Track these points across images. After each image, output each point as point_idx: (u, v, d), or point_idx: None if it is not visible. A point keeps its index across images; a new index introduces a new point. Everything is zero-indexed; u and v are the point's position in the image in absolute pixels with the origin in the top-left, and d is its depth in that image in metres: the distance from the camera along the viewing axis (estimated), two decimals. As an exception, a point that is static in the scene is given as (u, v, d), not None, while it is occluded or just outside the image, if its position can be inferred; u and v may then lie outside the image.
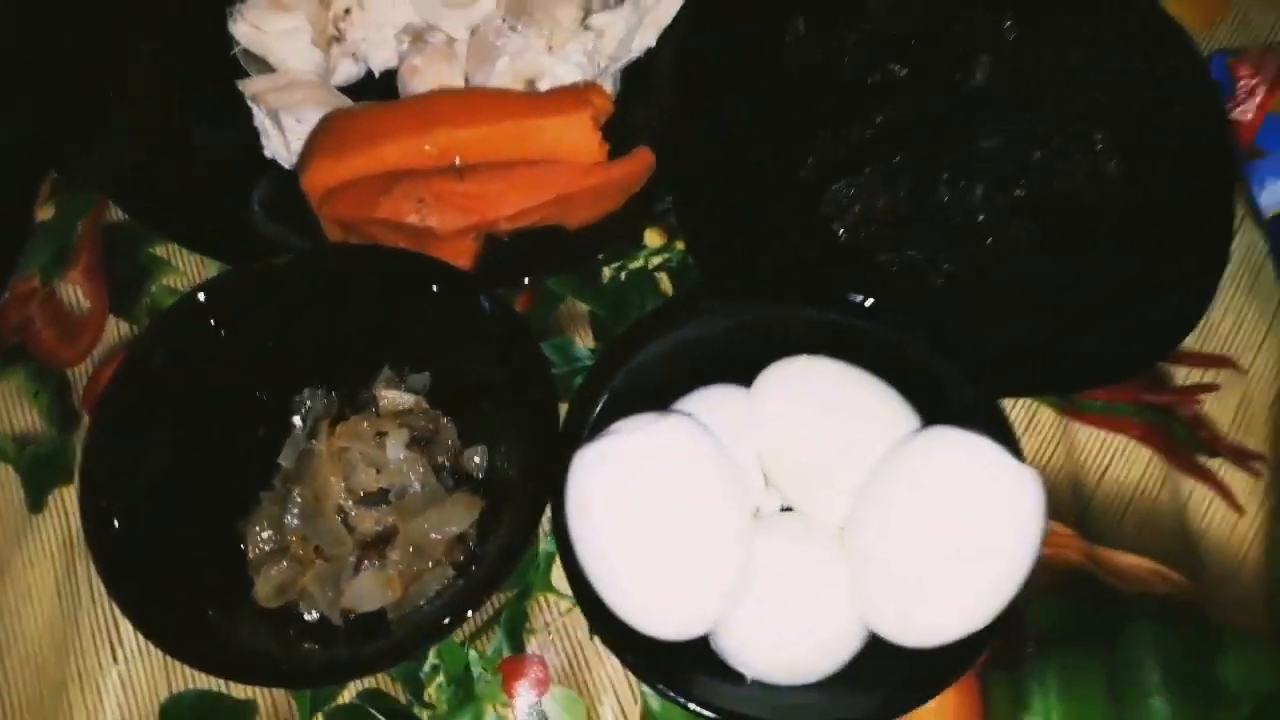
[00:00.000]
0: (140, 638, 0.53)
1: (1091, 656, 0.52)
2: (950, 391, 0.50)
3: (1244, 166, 0.63)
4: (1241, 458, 0.57)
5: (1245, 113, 0.63)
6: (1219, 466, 0.57)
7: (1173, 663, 0.52)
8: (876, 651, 0.48)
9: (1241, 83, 0.64)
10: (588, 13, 0.63)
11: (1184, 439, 0.58)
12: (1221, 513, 0.56)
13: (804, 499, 0.50)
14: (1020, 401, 0.59)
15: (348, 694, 0.52)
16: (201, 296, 0.51)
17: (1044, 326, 0.60)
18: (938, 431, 0.47)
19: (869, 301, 0.56)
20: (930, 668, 0.46)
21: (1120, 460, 0.58)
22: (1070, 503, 0.56)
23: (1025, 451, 0.56)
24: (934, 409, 0.50)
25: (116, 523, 0.47)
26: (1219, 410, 0.58)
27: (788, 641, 0.47)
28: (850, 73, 0.65)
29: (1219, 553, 0.55)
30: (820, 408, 0.50)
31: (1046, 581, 0.54)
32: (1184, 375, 0.60)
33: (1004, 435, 0.48)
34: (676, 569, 0.46)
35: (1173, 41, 0.66)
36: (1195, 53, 0.66)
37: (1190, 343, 0.60)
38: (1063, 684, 0.52)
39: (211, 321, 0.52)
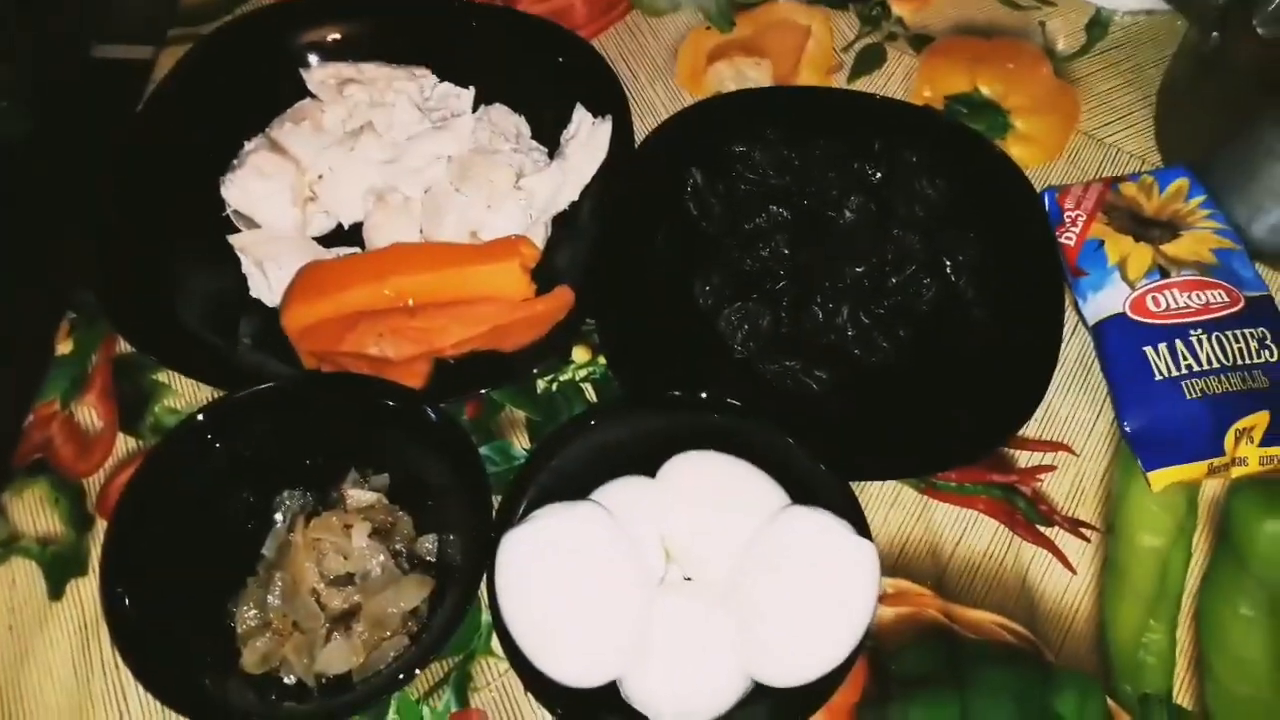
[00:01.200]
0: (145, 704, 0.59)
1: (948, 697, 0.59)
2: (811, 476, 0.58)
3: (1071, 283, 0.70)
4: (1074, 526, 0.64)
5: (1070, 238, 0.71)
6: (1055, 534, 0.64)
7: (1017, 700, 0.58)
8: (758, 692, 0.55)
9: (1067, 213, 0.72)
10: (520, 175, 0.72)
11: (1026, 511, 0.64)
12: (1057, 573, 0.62)
13: (697, 568, 0.58)
14: (886, 483, 0.66)
15: (321, 751, 0.58)
16: (201, 417, 0.60)
17: (905, 420, 0.67)
18: (796, 510, 0.56)
19: (750, 405, 0.61)
20: (798, 703, 0.54)
21: (972, 531, 0.64)
22: (929, 567, 0.63)
23: (890, 525, 0.64)
24: (801, 491, 0.58)
25: (129, 604, 0.55)
26: (1056, 487, 0.65)
27: (685, 688, 0.54)
28: (740, 215, 0.73)
29: (1055, 607, 0.61)
30: (710, 492, 0.58)
31: (909, 634, 0.60)
32: (1026, 458, 0.66)
33: (852, 512, 0.57)
34: (587, 629, 0.53)
35: (1013, 180, 0.75)
36: (1031, 189, 0.74)
37: (1032, 430, 0.67)
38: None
39: (208, 437, 0.60)
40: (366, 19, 0.82)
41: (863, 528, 0.56)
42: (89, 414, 0.70)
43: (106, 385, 0.71)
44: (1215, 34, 0.72)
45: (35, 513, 0.67)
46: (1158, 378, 0.66)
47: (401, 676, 0.54)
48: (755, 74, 0.85)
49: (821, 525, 0.55)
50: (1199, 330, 0.66)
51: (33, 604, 0.63)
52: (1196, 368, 0.66)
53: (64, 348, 0.73)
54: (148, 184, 0.75)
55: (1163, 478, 0.64)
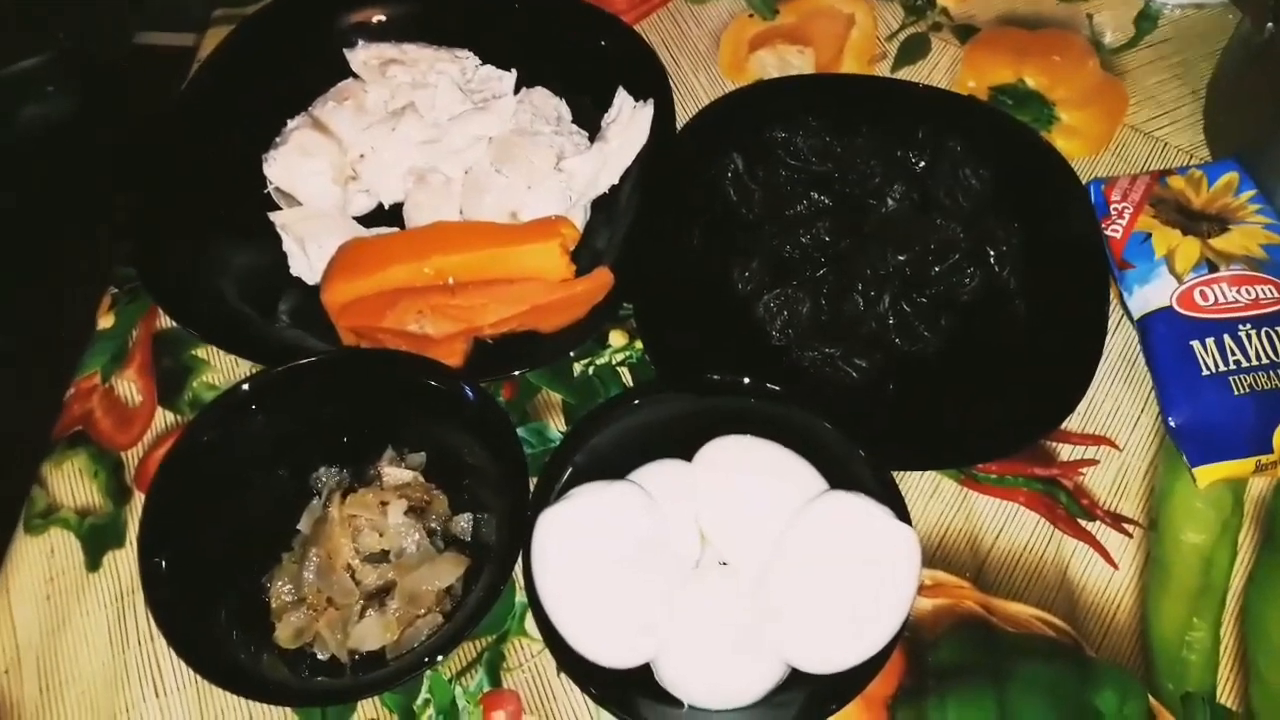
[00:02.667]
0: (179, 675, 0.60)
1: (985, 690, 0.58)
2: (850, 462, 0.58)
3: (1117, 275, 0.69)
4: (1116, 522, 0.63)
5: (1116, 230, 0.70)
6: (1097, 529, 0.63)
7: (1055, 695, 0.58)
8: (792, 679, 0.54)
9: (1113, 205, 0.71)
10: (560, 157, 0.72)
11: (1067, 506, 0.64)
12: (1099, 568, 0.62)
13: (733, 553, 0.57)
14: (926, 473, 0.65)
15: (353, 725, 0.58)
16: (242, 389, 0.60)
17: (945, 411, 0.66)
18: (836, 495, 0.55)
19: (788, 390, 0.61)
20: (834, 690, 0.53)
21: (1012, 523, 0.63)
22: (968, 559, 0.62)
23: (930, 516, 0.63)
24: (839, 476, 0.57)
25: (165, 576, 0.55)
26: (1098, 481, 0.64)
27: (718, 673, 0.54)
28: (780, 201, 0.72)
29: (1096, 602, 0.61)
30: (747, 477, 0.58)
31: (947, 626, 0.60)
32: (1069, 451, 0.65)
33: (892, 498, 0.56)
34: (622, 611, 0.53)
35: (1058, 170, 0.74)
36: (1077, 180, 0.73)
37: (1075, 424, 0.66)
38: (960, 715, 0.57)
39: (247, 410, 0.60)
40: (410, 1, 0.82)
41: (903, 514, 0.55)
42: (129, 388, 0.71)
43: (146, 360, 0.72)
44: (1270, 25, 0.70)
45: (74, 484, 0.67)
46: (1205, 373, 0.65)
47: (433, 657, 0.54)
48: (798, 62, 0.84)
49: (862, 510, 0.54)
50: (1248, 325, 0.65)
51: (70, 574, 0.64)
52: (1245, 363, 0.65)
53: (105, 322, 0.74)
54: (191, 161, 0.75)
55: (1209, 474, 0.63)
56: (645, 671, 0.55)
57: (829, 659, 0.53)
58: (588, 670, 0.54)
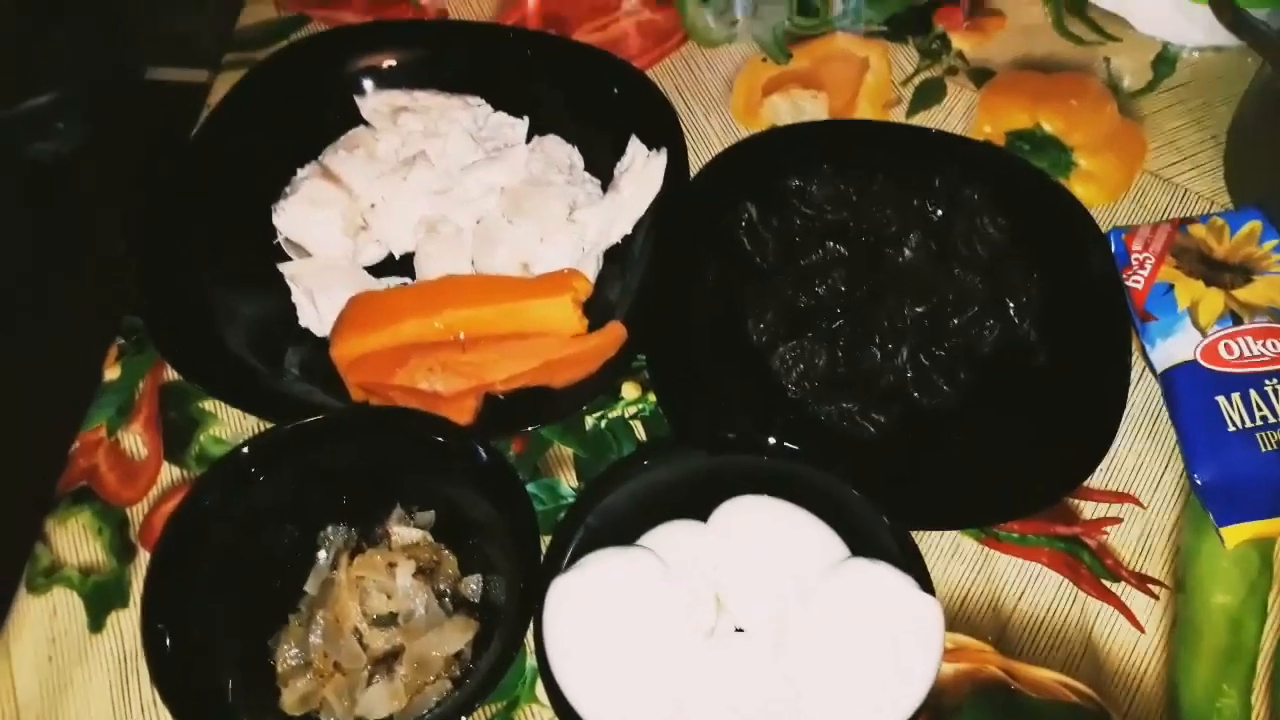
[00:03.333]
0: None
1: None
2: (871, 525, 0.57)
3: (1139, 328, 0.68)
4: (1142, 582, 0.62)
5: (1138, 281, 0.69)
6: (1122, 590, 0.61)
7: None
8: None
9: (1134, 255, 0.70)
10: (573, 208, 0.71)
11: (1091, 565, 0.62)
12: (1124, 631, 0.60)
13: (750, 620, 0.56)
14: (945, 533, 0.64)
15: (359, 794, 0.56)
16: (246, 450, 0.59)
17: (964, 467, 0.65)
18: (857, 563, 0.54)
19: (806, 448, 0.60)
20: None
21: (1034, 585, 0.62)
22: (990, 622, 0.61)
23: (950, 577, 0.62)
24: (859, 540, 0.56)
25: (169, 640, 0.54)
26: (1122, 540, 0.63)
27: None
28: (795, 250, 0.71)
29: (1122, 667, 0.59)
30: (764, 540, 0.56)
31: (968, 692, 0.58)
32: (1091, 509, 0.64)
33: (915, 566, 0.55)
34: (636, 681, 0.52)
35: (1078, 219, 0.73)
36: (1097, 229, 0.72)
37: (1097, 481, 0.65)
38: (983, 785, 0.56)
39: (253, 470, 0.59)
40: (421, 47, 0.82)
41: (926, 583, 0.54)
42: (135, 441, 0.70)
43: (153, 413, 0.71)
44: (1290, 72, 0.70)
45: (78, 541, 0.66)
46: (1230, 429, 0.64)
47: (445, 725, 0.52)
48: (812, 107, 0.84)
49: (885, 580, 0.53)
50: (1274, 380, 0.65)
51: (73, 635, 0.63)
52: (1272, 419, 0.64)
53: (111, 374, 0.73)
54: (199, 210, 0.75)
55: (1237, 534, 0.62)
56: (659, 743, 0.53)
57: (849, 732, 0.52)
58: (600, 742, 0.53)
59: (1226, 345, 0.66)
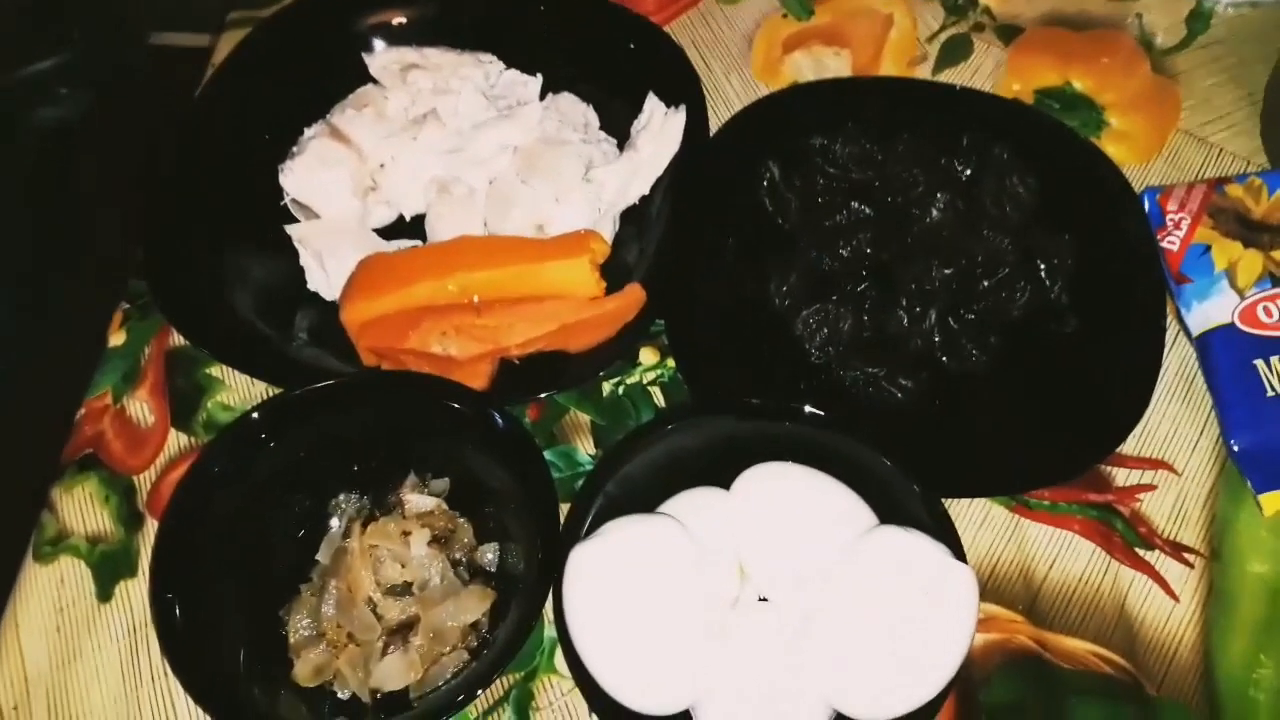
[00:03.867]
0: (194, 715, 0.57)
1: None
2: (901, 493, 0.55)
3: (1174, 290, 0.67)
4: (1176, 551, 0.60)
5: (1173, 242, 0.67)
6: (1156, 559, 0.60)
7: None
8: None
9: (1169, 215, 0.68)
10: (589, 167, 0.70)
11: (1124, 534, 0.61)
12: (1159, 600, 0.59)
13: (775, 590, 0.54)
14: (975, 501, 0.62)
15: (375, 768, 0.55)
16: (255, 415, 0.57)
17: (994, 433, 0.63)
18: (887, 531, 0.52)
19: (831, 414, 0.58)
20: None
21: (1066, 553, 0.61)
22: (1021, 591, 0.60)
23: (980, 546, 0.61)
24: (888, 508, 0.55)
25: (179, 610, 0.53)
26: (1156, 508, 0.62)
27: (760, 718, 0.51)
28: (819, 211, 0.70)
29: (1156, 637, 0.58)
30: (789, 508, 0.55)
31: (999, 663, 0.57)
32: (1124, 476, 0.63)
33: (946, 534, 0.53)
34: (658, 652, 0.50)
35: (1110, 179, 0.71)
36: (1130, 189, 0.70)
37: (1130, 447, 0.63)
38: (1014, 757, 0.55)
39: (263, 436, 0.58)
40: (431, 2, 0.80)
41: (958, 551, 0.52)
42: (141, 408, 0.69)
43: (159, 379, 0.70)
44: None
45: (85, 510, 0.65)
46: (1270, 394, 0.62)
47: (462, 697, 0.51)
48: (834, 64, 0.81)
49: (917, 548, 0.51)
50: (1315, 343, 0.62)
51: (81, 605, 0.62)
52: (1313, 384, 0.62)
53: (116, 339, 0.72)
54: (204, 171, 0.73)
55: (1275, 501, 0.61)
56: (681, 715, 0.52)
57: (878, 706, 0.50)
58: (621, 713, 0.51)
59: (1265, 308, 0.64)
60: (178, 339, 0.70)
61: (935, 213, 0.69)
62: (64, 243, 1.17)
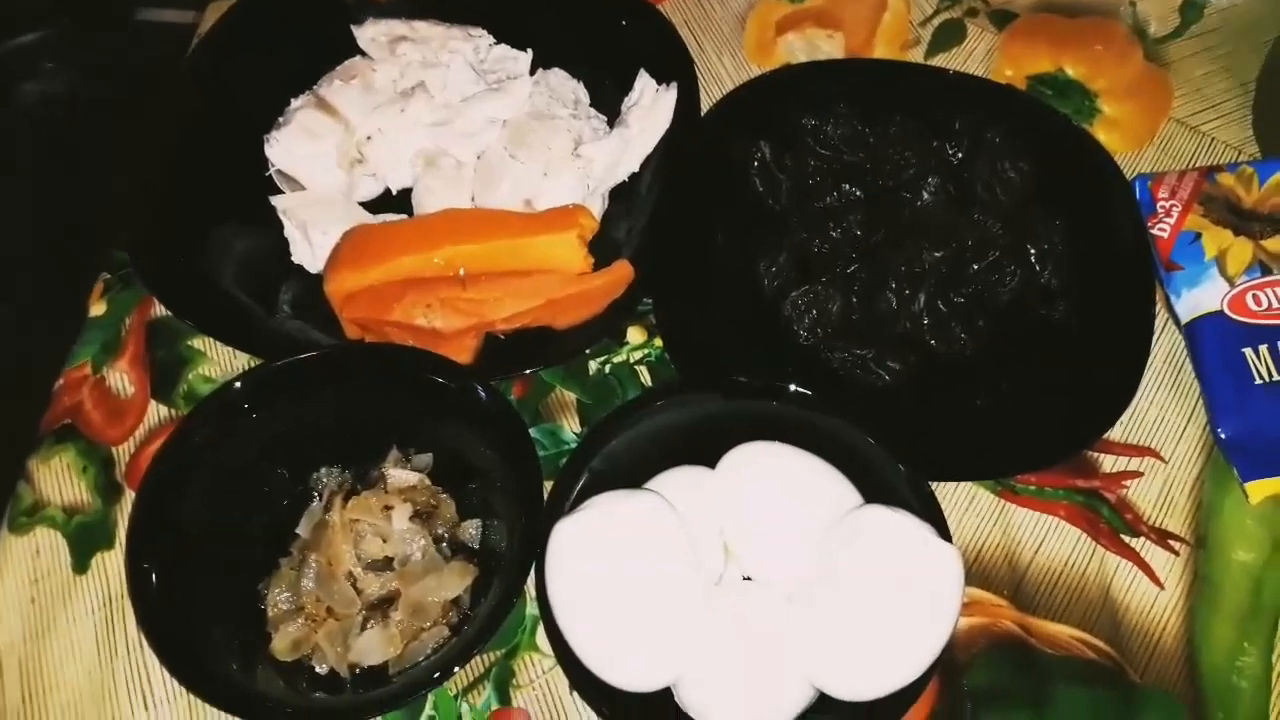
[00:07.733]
0: (169, 687, 0.57)
1: (1023, 716, 0.55)
2: (887, 474, 0.55)
3: (1163, 277, 0.66)
4: (1162, 538, 0.60)
5: (1164, 229, 0.67)
6: (1141, 545, 0.60)
7: None
8: (820, 705, 0.51)
9: (1160, 203, 0.68)
10: (578, 143, 0.69)
11: (1110, 520, 0.61)
12: (1143, 587, 0.59)
13: (760, 569, 0.54)
14: (961, 485, 0.62)
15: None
16: (238, 385, 0.57)
17: (982, 417, 0.63)
18: (873, 510, 0.52)
19: (818, 394, 0.58)
20: (866, 718, 0.50)
21: (1052, 538, 0.61)
22: (1006, 575, 0.59)
23: (965, 530, 0.61)
24: (874, 489, 0.54)
25: (155, 582, 0.52)
26: (1142, 495, 0.62)
27: (742, 697, 0.50)
28: (809, 192, 0.69)
29: (1141, 623, 0.58)
30: (775, 487, 0.54)
31: (983, 646, 0.57)
32: (1111, 463, 0.63)
33: (932, 514, 0.53)
34: (641, 629, 0.50)
35: (1101, 165, 0.71)
36: (1121, 175, 0.70)
37: (1118, 433, 0.63)
38: (997, 741, 0.54)
39: (245, 407, 0.57)
40: (421, -26, 0.78)
41: (944, 531, 0.52)
42: (120, 379, 0.68)
43: (140, 350, 0.69)
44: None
45: (62, 480, 0.64)
46: (1258, 382, 0.62)
47: (440, 674, 0.50)
48: (827, 46, 0.81)
49: (902, 527, 0.51)
50: (1304, 332, 0.62)
51: (56, 576, 0.61)
52: (1300, 373, 0.61)
53: (97, 309, 0.71)
54: (188, 142, 0.72)
55: (1261, 489, 0.60)
56: (666, 695, 0.52)
57: (862, 686, 0.50)
58: (603, 692, 0.51)
59: (1255, 296, 0.64)
60: (159, 310, 0.70)
61: (926, 196, 0.70)
62: (46, 214, 1.16)
